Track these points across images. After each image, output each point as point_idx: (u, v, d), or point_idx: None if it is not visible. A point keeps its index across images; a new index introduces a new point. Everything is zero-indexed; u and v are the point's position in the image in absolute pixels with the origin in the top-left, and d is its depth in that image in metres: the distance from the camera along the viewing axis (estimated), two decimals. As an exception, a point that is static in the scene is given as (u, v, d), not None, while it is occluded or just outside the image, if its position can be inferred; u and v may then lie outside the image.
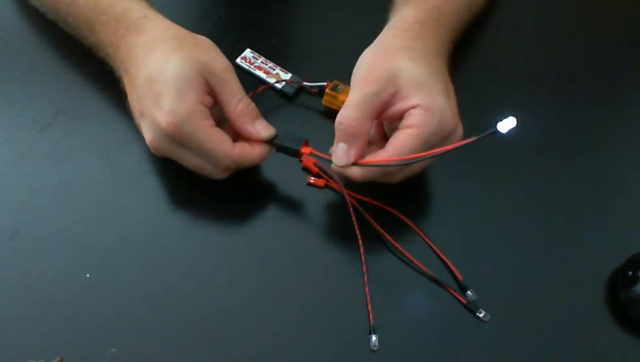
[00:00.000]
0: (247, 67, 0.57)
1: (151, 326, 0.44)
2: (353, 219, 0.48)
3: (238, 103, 0.46)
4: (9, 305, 0.44)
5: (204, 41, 0.47)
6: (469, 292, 0.46)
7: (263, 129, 0.46)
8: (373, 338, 0.44)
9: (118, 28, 0.48)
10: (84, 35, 0.52)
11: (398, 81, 0.43)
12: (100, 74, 0.52)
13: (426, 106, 0.43)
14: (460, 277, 0.47)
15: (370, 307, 0.45)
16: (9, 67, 0.56)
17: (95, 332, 0.43)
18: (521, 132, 0.56)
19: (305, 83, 0.55)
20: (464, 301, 0.46)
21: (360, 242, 0.47)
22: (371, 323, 0.44)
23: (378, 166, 0.43)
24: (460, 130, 0.45)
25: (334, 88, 0.53)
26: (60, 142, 0.52)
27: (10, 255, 0.46)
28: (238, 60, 0.57)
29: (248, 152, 0.46)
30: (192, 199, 0.49)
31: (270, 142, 0.47)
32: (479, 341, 0.45)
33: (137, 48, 0.46)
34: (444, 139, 0.44)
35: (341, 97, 0.53)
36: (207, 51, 0.46)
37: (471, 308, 0.46)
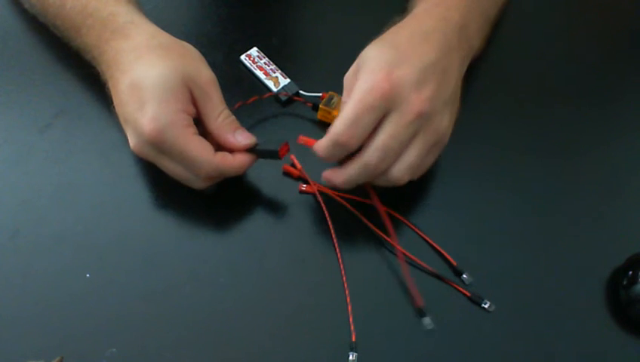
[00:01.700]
0: (249, 65, 0.57)
1: (151, 326, 0.44)
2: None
3: (219, 116, 0.46)
4: (9, 305, 0.44)
5: (190, 51, 0.47)
6: (464, 276, 0.47)
7: (243, 138, 0.47)
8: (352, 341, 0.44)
9: (103, 32, 0.48)
10: (71, 38, 0.52)
11: (360, 63, 0.45)
12: (99, 74, 0.52)
13: (360, 74, 0.44)
14: (454, 263, 0.47)
15: (350, 311, 0.45)
16: (9, 67, 0.56)
17: (95, 332, 0.43)
18: (521, 131, 0.56)
19: (301, 92, 0.55)
20: (468, 293, 0.46)
21: (339, 253, 0.47)
22: (350, 328, 0.44)
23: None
24: (415, 101, 0.43)
25: (328, 102, 0.53)
26: (60, 142, 0.52)
27: (10, 255, 0.46)
28: (243, 57, 0.57)
29: (230, 161, 0.46)
30: (192, 199, 0.49)
31: (251, 150, 0.47)
32: (482, 335, 0.45)
33: (123, 54, 0.46)
34: (384, 99, 0.43)
35: (335, 112, 0.53)
36: (192, 62, 0.46)
37: (475, 300, 0.46)
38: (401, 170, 0.45)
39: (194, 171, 0.45)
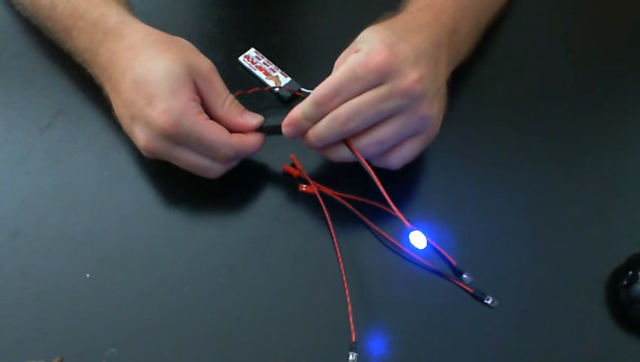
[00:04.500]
0: (248, 66, 0.57)
1: (151, 326, 0.44)
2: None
3: (225, 101, 0.47)
4: (9, 305, 0.44)
5: (186, 43, 0.48)
6: (464, 276, 0.47)
7: (252, 118, 0.47)
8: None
9: (95, 34, 0.48)
10: (63, 41, 0.52)
11: (356, 45, 0.45)
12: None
13: (358, 48, 0.44)
14: (454, 262, 0.47)
15: (350, 311, 0.45)
16: (9, 67, 0.56)
17: (95, 332, 0.43)
18: (522, 131, 0.56)
19: (303, 89, 0.55)
20: (471, 290, 0.46)
21: (339, 253, 0.47)
22: (350, 328, 0.44)
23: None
24: (410, 77, 0.42)
25: None
26: (60, 142, 0.52)
27: (10, 255, 0.46)
28: (241, 58, 0.57)
29: (245, 140, 0.47)
30: (192, 199, 0.50)
31: (260, 130, 0.48)
32: (484, 332, 0.45)
33: (119, 54, 0.46)
34: (379, 73, 0.42)
35: None
36: (191, 53, 0.47)
37: (478, 296, 0.46)
38: (368, 142, 0.44)
39: (213, 155, 0.46)
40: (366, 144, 0.44)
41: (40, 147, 0.51)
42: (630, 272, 0.46)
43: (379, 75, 0.42)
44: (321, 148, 0.46)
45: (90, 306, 0.44)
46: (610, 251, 0.49)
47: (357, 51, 0.43)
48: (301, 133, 0.46)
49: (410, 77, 0.42)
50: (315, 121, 0.44)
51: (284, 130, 0.46)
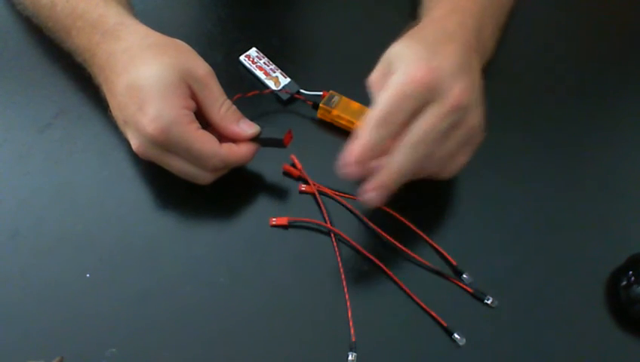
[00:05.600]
0: (248, 66, 0.57)
1: (151, 326, 0.44)
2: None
3: (221, 107, 0.46)
4: (9, 305, 0.44)
5: (184, 46, 0.47)
6: (465, 276, 0.47)
7: (248, 127, 0.47)
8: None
9: (93, 34, 0.48)
10: (62, 40, 0.52)
11: (390, 61, 0.44)
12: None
13: (395, 69, 0.43)
14: (454, 262, 0.47)
15: (350, 311, 0.45)
16: (9, 67, 0.56)
17: (95, 332, 0.43)
18: (522, 131, 0.56)
19: (302, 91, 0.55)
20: (471, 290, 0.46)
21: (338, 253, 0.48)
22: (350, 328, 0.44)
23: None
24: (455, 90, 0.42)
25: (329, 101, 0.53)
26: (60, 142, 0.52)
27: (10, 255, 0.46)
28: (242, 58, 0.57)
29: (235, 151, 0.46)
30: (192, 199, 0.49)
31: (255, 139, 0.47)
32: (484, 332, 0.45)
33: (116, 56, 0.46)
34: (426, 89, 0.41)
35: (335, 111, 0.53)
36: (188, 57, 0.46)
37: (478, 296, 0.46)
38: (432, 164, 0.44)
39: (201, 165, 0.45)
40: (431, 165, 0.44)
41: (40, 147, 0.51)
42: (630, 272, 0.46)
43: (426, 89, 0.41)
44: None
45: (90, 306, 0.44)
46: (610, 251, 0.49)
47: (394, 72, 0.42)
48: (365, 167, 0.42)
49: (455, 90, 0.42)
50: (378, 151, 0.42)
51: (344, 171, 0.43)
